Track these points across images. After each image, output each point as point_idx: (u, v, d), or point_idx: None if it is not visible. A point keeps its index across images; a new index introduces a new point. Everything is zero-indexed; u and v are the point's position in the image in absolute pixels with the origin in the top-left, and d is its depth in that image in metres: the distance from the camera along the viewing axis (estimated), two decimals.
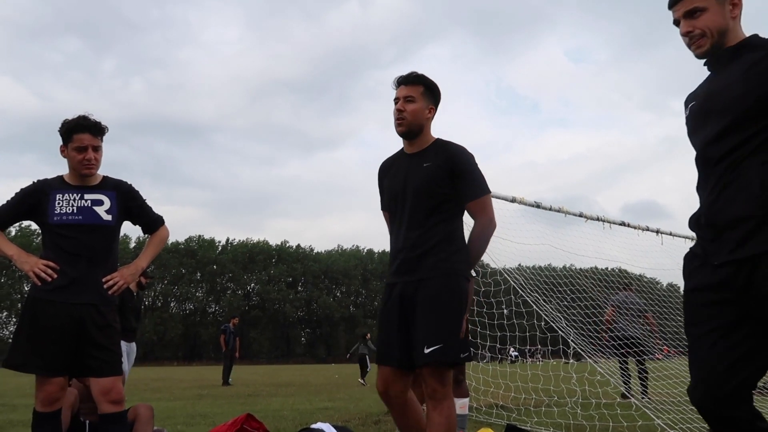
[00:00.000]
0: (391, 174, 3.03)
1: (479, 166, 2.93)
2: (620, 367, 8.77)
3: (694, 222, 2.10)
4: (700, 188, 2.07)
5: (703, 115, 2.06)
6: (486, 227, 2.89)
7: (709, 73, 2.15)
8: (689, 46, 2.10)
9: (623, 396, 7.92)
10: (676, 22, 2.13)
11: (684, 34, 2.09)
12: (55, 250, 3.14)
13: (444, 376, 2.74)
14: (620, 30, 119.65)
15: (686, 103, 2.21)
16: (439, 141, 2.97)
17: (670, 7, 2.14)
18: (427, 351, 2.68)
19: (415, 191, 2.85)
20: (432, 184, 2.82)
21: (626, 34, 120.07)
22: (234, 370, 16.51)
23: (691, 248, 2.14)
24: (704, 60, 2.13)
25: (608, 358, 8.84)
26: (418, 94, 2.90)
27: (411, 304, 2.79)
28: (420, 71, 2.97)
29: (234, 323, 16.73)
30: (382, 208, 3.12)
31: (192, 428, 6.02)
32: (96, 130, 3.18)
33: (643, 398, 7.81)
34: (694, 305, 2.04)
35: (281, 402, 9.62)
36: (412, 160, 2.93)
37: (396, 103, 2.91)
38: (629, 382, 8.56)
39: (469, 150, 2.94)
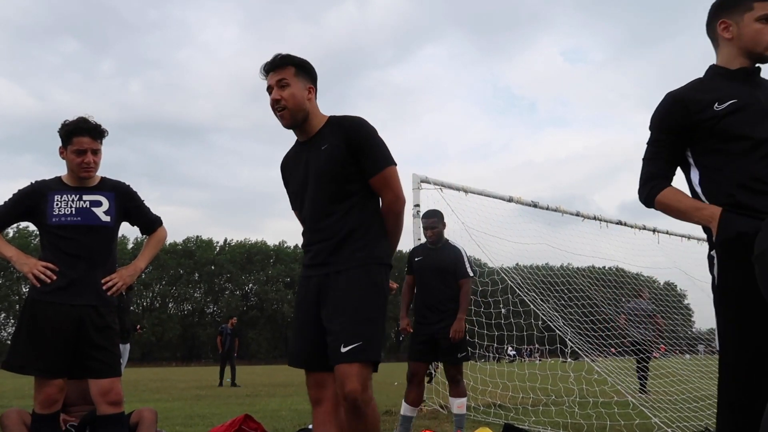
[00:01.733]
0: (290, 168, 2.77)
1: (380, 136, 2.62)
2: (638, 367, 8.95)
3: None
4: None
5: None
6: (393, 203, 2.61)
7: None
8: None
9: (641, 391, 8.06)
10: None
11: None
12: (54, 252, 3.14)
13: (366, 377, 2.40)
14: (616, 30, 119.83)
15: (719, 101, 2.20)
16: (332, 118, 2.67)
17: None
18: (344, 350, 2.38)
19: (317, 178, 2.57)
20: (333, 166, 2.53)
21: (622, 34, 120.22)
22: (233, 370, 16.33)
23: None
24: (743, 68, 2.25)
25: (606, 357, 8.89)
26: (290, 76, 2.58)
27: (327, 297, 2.51)
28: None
29: (232, 324, 16.59)
30: (293, 208, 2.82)
31: (190, 429, 6.03)
32: (96, 133, 3.18)
33: (641, 395, 7.86)
34: None
35: (279, 402, 9.62)
36: (309, 147, 2.64)
37: (270, 93, 2.60)
38: (643, 382, 8.70)
39: (372, 123, 2.64)
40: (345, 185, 2.55)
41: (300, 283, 2.70)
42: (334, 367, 2.42)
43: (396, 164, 2.62)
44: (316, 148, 2.60)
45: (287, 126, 2.63)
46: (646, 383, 8.72)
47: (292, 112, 2.58)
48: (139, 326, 7.49)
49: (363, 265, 2.51)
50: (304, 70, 2.64)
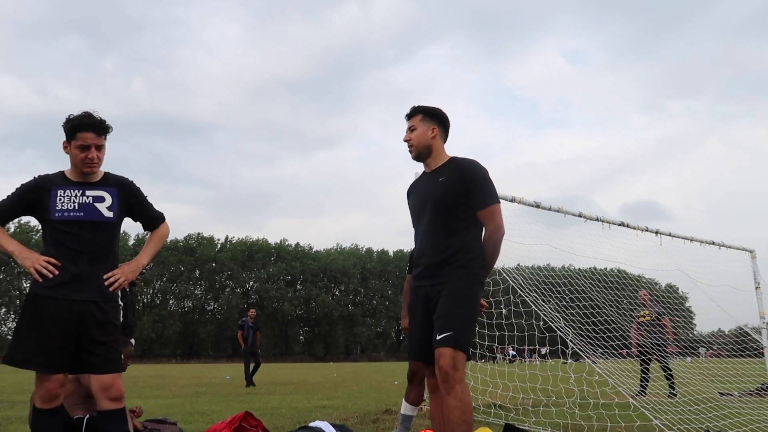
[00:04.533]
0: (414, 192, 3.49)
1: (490, 177, 3.26)
2: (642, 369, 9.05)
3: None
4: None
5: None
6: (494, 233, 3.20)
7: None
8: None
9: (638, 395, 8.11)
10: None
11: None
12: (56, 247, 3.13)
13: (456, 360, 2.96)
14: (618, 33, 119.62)
15: None
16: (453, 159, 3.35)
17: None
18: (438, 337, 3.01)
19: (433, 204, 3.23)
20: (447, 197, 3.19)
21: (624, 36, 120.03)
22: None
23: None
24: None
25: (607, 359, 8.89)
26: (417, 122, 3.39)
27: (435, 304, 3.14)
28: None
29: (252, 316, 15.06)
30: (414, 226, 3.46)
31: (190, 426, 6.03)
32: (100, 129, 3.18)
33: (639, 396, 7.85)
34: None
35: (279, 400, 9.62)
36: (431, 178, 3.34)
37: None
38: (645, 385, 8.75)
39: (481, 163, 3.29)
40: (455, 213, 3.20)
41: (412, 291, 3.39)
42: (435, 352, 3.03)
43: (500, 202, 3.25)
44: (436, 179, 3.30)
45: (413, 158, 3.43)
46: (647, 386, 8.74)
47: (417, 149, 3.40)
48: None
49: (462, 278, 3.12)
50: (429, 115, 3.41)
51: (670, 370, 9.19)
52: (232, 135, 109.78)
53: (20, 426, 5.88)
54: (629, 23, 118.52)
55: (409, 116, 3.46)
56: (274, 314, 71.12)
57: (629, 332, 9.39)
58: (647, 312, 9.79)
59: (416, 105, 3.45)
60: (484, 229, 3.25)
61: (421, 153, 3.39)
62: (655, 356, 9.10)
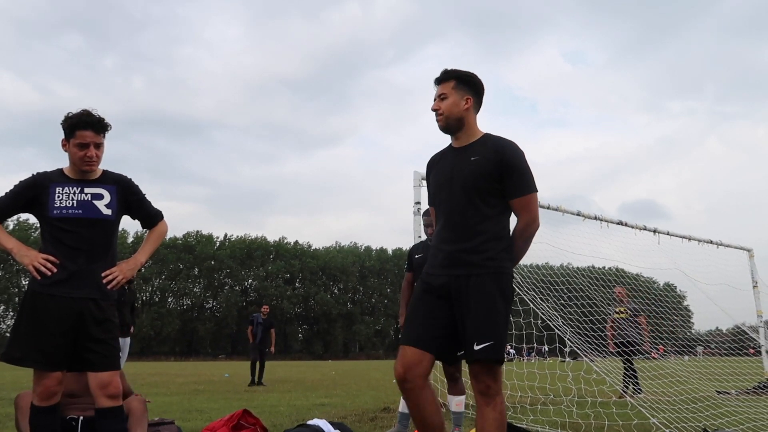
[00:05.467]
0: (438, 168, 3.01)
1: (528, 162, 2.88)
2: (624, 367, 8.94)
3: None
4: None
5: None
6: (529, 225, 2.85)
7: None
8: None
9: (621, 396, 7.99)
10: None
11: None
12: (55, 244, 3.13)
13: (496, 372, 2.75)
14: (617, 33, 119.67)
15: None
16: (488, 135, 2.95)
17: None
18: (477, 348, 2.69)
19: (462, 185, 2.83)
20: (479, 178, 2.80)
21: (623, 37, 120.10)
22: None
23: None
24: None
25: (604, 357, 8.90)
26: (449, 89, 2.92)
27: (459, 298, 2.76)
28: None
29: (264, 312, 14.27)
30: (430, 203, 3.13)
31: (188, 423, 6.03)
32: (99, 127, 3.17)
33: (626, 395, 7.86)
34: None
35: (278, 398, 9.63)
36: (459, 154, 2.91)
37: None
38: (629, 383, 8.66)
39: (519, 146, 2.89)
40: (486, 198, 2.82)
41: (422, 279, 2.94)
42: (468, 362, 2.77)
43: (537, 191, 2.87)
44: (467, 157, 2.87)
45: (441, 128, 2.97)
46: (638, 384, 8.70)
47: (446, 119, 2.92)
48: (132, 327, 7.47)
49: (496, 274, 2.77)
50: (464, 83, 2.94)
51: (635, 371, 9.06)
52: (232, 133, 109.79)
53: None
54: (629, 23, 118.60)
55: (439, 81, 2.97)
56: (272, 312, 70.79)
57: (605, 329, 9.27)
58: (623, 309, 9.62)
59: (449, 68, 2.97)
60: (517, 220, 2.88)
61: (450, 125, 2.93)
62: (624, 352, 8.95)
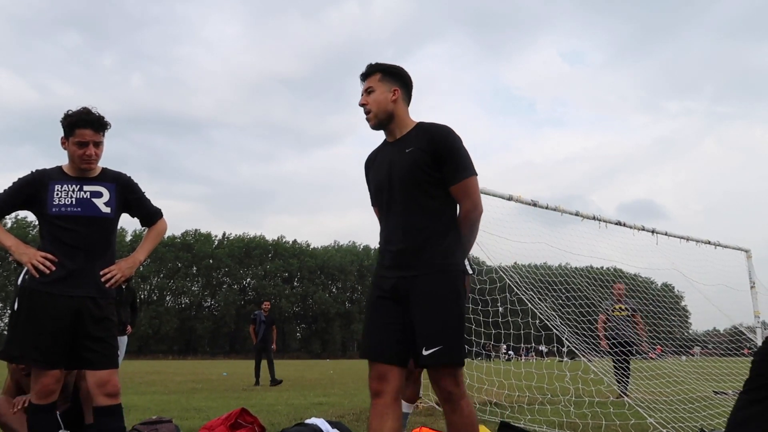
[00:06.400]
0: (375, 166, 2.89)
1: (464, 146, 2.75)
2: (615, 367, 8.83)
3: None
4: None
5: None
6: (471, 212, 2.70)
7: None
8: None
9: (619, 396, 7.93)
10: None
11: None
12: (54, 242, 3.13)
13: (455, 376, 2.60)
14: (615, 33, 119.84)
15: None
16: (421, 124, 2.80)
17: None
18: (426, 353, 2.55)
19: (400, 180, 2.69)
20: (416, 170, 2.66)
21: (621, 37, 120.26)
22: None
23: None
24: None
25: (602, 357, 8.89)
26: (375, 82, 2.80)
27: (406, 301, 2.63)
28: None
29: (266, 309, 13.83)
30: (372, 204, 2.96)
31: (186, 422, 6.03)
32: (98, 125, 3.17)
33: (625, 395, 7.85)
34: None
35: (276, 397, 9.63)
36: (395, 148, 2.78)
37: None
38: (623, 382, 8.62)
39: (454, 130, 2.75)
40: (427, 189, 2.67)
41: (374, 283, 2.80)
42: (419, 368, 2.61)
43: (477, 174, 2.72)
44: (402, 150, 2.73)
45: (372, 127, 2.83)
46: (626, 385, 8.63)
47: (376, 115, 2.79)
48: (130, 327, 7.45)
49: (443, 272, 2.62)
50: (389, 74, 2.82)
51: (629, 371, 8.89)
52: (231, 132, 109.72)
53: None
54: (627, 24, 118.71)
55: (365, 76, 2.84)
56: (271, 311, 70.87)
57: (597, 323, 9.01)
58: (623, 306, 9.42)
59: (373, 63, 2.84)
60: (459, 208, 2.73)
61: (381, 120, 2.79)
62: (622, 351, 8.80)
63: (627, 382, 8.75)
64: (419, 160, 2.66)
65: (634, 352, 8.96)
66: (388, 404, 2.62)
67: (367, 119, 2.81)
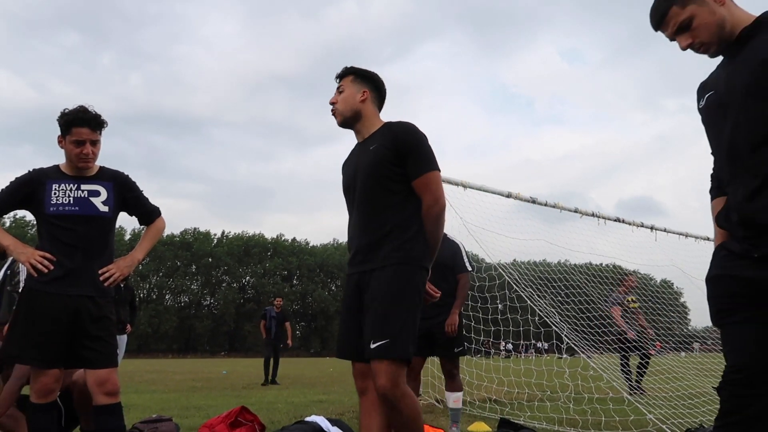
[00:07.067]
0: (345, 167, 2.99)
1: (428, 142, 2.79)
2: (622, 363, 8.78)
3: (723, 218, 2.04)
4: (731, 184, 1.97)
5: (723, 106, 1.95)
6: (431, 206, 2.70)
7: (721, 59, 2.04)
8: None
9: (630, 393, 7.82)
10: (672, 38, 2.06)
11: (685, 49, 2.03)
12: (52, 241, 3.12)
13: (396, 375, 2.51)
14: (614, 31, 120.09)
15: (700, 93, 2.09)
16: (387, 123, 2.87)
17: (656, 29, 2.08)
18: (373, 346, 2.53)
19: (363, 176, 2.76)
20: (378, 167, 2.71)
21: (620, 35, 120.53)
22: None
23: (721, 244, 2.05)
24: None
25: (602, 353, 8.88)
26: (347, 83, 2.91)
27: (366, 294, 2.67)
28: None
29: (278, 305, 13.46)
30: (346, 204, 3.00)
31: (186, 420, 6.03)
32: (95, 124, 3.15)
33: (634, 393, 7.85)
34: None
35: (275, 394, 9.64)
36: (362, 148, 2.86)
37: None
38: (631, 379, 8.60)
39: (418, 126, 2.80)
40: (388, 185, 2.71)
41: (345, 281, 2.87)
42: (366, 361, 2.61)
43: (439, 170, 2.76)
44: (367, 148, 2.80)
45: (339, 124, 2.92)
46: (632, 382, 8.61)
47: (342, 113, 2.88)
48: (129, 325, 7.44)
49: (398, 264, 2.62)
50: (361, 77, 2.92)
51: (629, 367, 8.74)
52: (230, 130, 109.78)
53: None
54: (625, 21, 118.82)
55: (339, 77, 2.95)
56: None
57: (612, 315, 8.75)
58: (634, 298, 9.26)
59: (347, 66, 2.96)
60: (422, 201, 2.74)
61: (346, 119, 2.88)
62: (638, 346, 8.68)
63: (629, 379, 8.70)
64: (382, 156, 2.71)
65: (638, 347, 8.87)
66: (374, 401, 2.64)
67: (333, 115, 2.92)
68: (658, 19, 2.06)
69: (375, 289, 2.62)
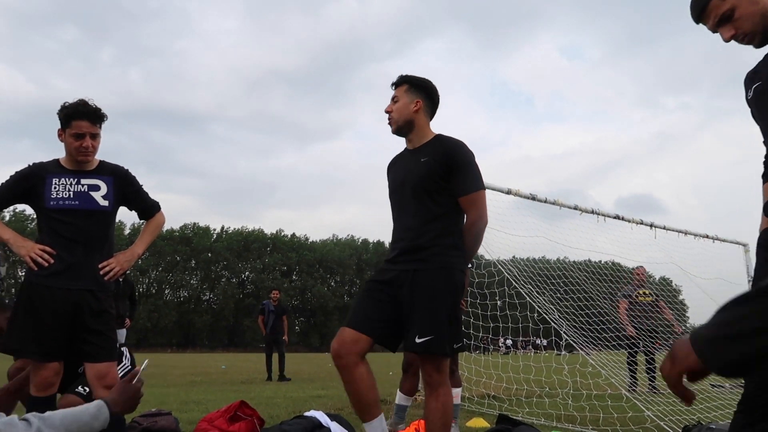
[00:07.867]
0: (394, 170, 3.16)
1: (476, 161, 2.98)
2: (629, 360, 8.73)
3: None
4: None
5: None
6: (476, 222, 2.94)
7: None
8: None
9: (630, 390, 7.80)
10: (714, 30, 2.03)
11: (728, 41, 2.01)
12: (52, 235, 3.13)
13: (439, 364, 2.84)
14: (614, 28, 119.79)
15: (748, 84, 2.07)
16: (439, 136, 3.05)
17: (698, 22, 2.06)
18: (418, 341, 2.78)
19: (413, 185, 2.95)
20: (428, 179, 2.91)
21: (620, 32, 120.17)
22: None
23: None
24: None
25: (600, 350, 8.88)
26: (401, 93, 3.06)
27: (405, 291, 2.86)
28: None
29: (274, 298, 13.06)
30: (389, 199, 3.21)
31: (185, 414, 6.05)
32: (95, 117, 3.16)
33: (650, 390, 7.81)
34: None
35: (274, 389, 9.66)
36: (413, 156, 3.03)
37: None
38: (635, 376, 8.58)
39: (468, 146, 3.00)
40: (435, 197, 2.92)
41: (378, 270, 3.08)
42: (411, 353, 2.94)
43: (485, 189, 2.99)
44: (417, 158, 2.98)
45: (392, 131, 3.09)
46: (635, 379, 8.60)
47: (396, 122, 3.05)
48: (129, 319, 7.46)
49: (440, 268, 2.84)
50: (415, 87, 3.07)
51: (654, 363, 8.71)
52: (229, 126, 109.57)
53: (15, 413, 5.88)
54: (625, 18, 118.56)
55: (395, 85, 3.11)
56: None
57: (618, 309, 8.69)
58: (647, 291, 9.16)
59: (403, 74, 3.12)
60: (466, 216, 2.97)
61: (401, 127, 3.06)
62: (646, 343, 8.66)
63: (654, 376, 8.59)
64: (432, 170, 2.91)
65: (654, 342, 8.77)
66: (354, 363, 2.80)
67: (389, 124, 3.07)
68: (699, 11, 2.03)
69: (422, 288, 2.82)
